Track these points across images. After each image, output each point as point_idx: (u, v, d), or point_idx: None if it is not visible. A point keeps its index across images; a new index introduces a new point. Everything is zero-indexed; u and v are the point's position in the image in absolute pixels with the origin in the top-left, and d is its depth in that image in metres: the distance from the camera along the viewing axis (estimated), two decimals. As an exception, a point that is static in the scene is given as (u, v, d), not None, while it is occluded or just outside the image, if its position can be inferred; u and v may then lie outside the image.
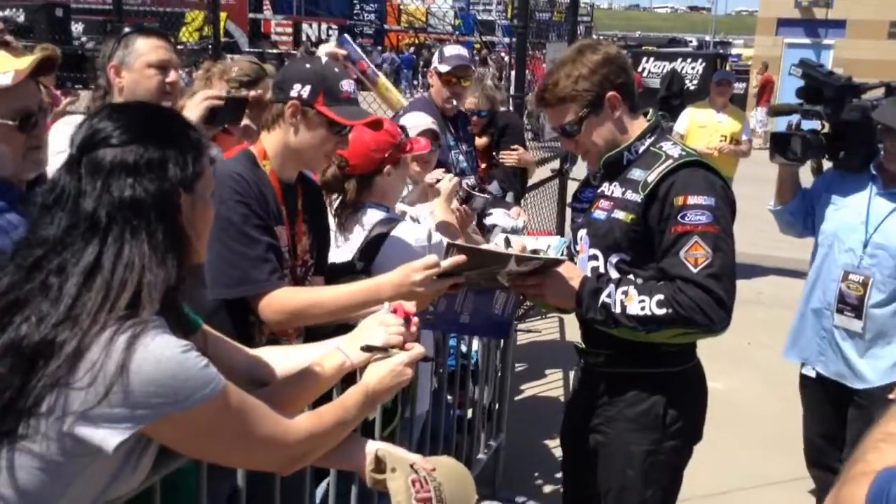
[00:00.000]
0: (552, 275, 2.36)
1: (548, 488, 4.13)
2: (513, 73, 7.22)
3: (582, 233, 2.52)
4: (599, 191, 2.47)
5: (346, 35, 3.41)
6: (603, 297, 2.31)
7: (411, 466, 1.72)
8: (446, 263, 2.10)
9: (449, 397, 3.43)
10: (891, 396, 3.05)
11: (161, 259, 1.35)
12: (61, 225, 1.34)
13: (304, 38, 31.01)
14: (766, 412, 4.88)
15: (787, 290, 6.47)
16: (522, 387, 5.34)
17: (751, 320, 6.20)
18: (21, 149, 1.86)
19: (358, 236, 2.69)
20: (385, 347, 1.71)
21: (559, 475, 4.12)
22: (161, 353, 1.29)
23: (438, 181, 3.14)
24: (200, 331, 1.69)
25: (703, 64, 20.54)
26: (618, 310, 2.28)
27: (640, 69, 20.93)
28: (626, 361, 2.43)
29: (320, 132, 2.27)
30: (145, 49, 2.78)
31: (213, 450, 1.46)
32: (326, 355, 1.74)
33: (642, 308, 2.24)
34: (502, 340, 3.94)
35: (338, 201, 2.75)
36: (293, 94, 2.24)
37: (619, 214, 2.35)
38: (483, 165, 4.82)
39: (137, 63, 2.75)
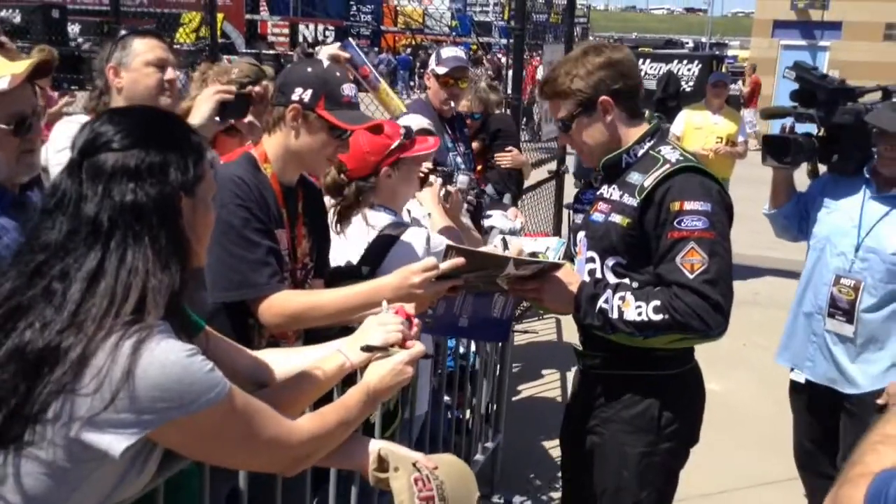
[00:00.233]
0: (550, 279, 2.37)
1: (545, 489, 4.15)
2: (509, 73, 7.23)
3: (581, 234, 2.54)
4: (598, 193, 2.48)
5: (349, 38, 3.42)
6: (600, 303, 2.32)
7: (414, 465, 1.73)
8: (445, 266, 2.11)
9: (447, 398, 3.44)
10: (879, 401, 3.06)
11: (165, 263, 1.35)
12: (63, 230, 1.34)
13: (300, 39, 30.99)
14: (761, 413, 4.89)
15: (783, 290, 6.48)
16: (520, 387, 5.35)
17: (747, 321, 6.22)
18: (15, 153, 1.86)
19: (359, 238, 2.70)
20: (385, 347, 1.72)
21: (557, 476, 4.14)
22: (167, 357, 1.29)
23: (427, 175, 3.13)
24: (203, 333, 1.69)
25: (700, 66, 20.54)
26: (615, 315, 2.29)
27: (636, 70, 20.90)
28: (622, 364, 2.44)
29: (321, 136, 2.28)
30: (142, 49, 2.80)
31: (218, 452, 1.46)
32: (326, 357, 1.75)
33: (639, 314, 2.25)
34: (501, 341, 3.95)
35: (337, 204, 2.76)
36: (294, 97, 2.25)
37: (616, 218, 2.36)
38: (478, 168, 4.83)
39: (135, 62, 2.78)
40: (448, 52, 4.31)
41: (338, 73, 2.33)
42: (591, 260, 2.45)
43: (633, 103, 2.40)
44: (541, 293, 2.38)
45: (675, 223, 2.23)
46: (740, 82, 20.34)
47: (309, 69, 2.31)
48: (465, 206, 3.65)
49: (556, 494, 4.02)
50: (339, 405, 1.64)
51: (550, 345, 6.15)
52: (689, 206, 2.22)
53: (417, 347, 1.75)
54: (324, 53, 3.12)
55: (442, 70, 4.08)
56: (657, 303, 2.23)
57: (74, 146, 1.39)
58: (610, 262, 2.40)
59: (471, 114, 4.89)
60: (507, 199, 5.04)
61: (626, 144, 2.40)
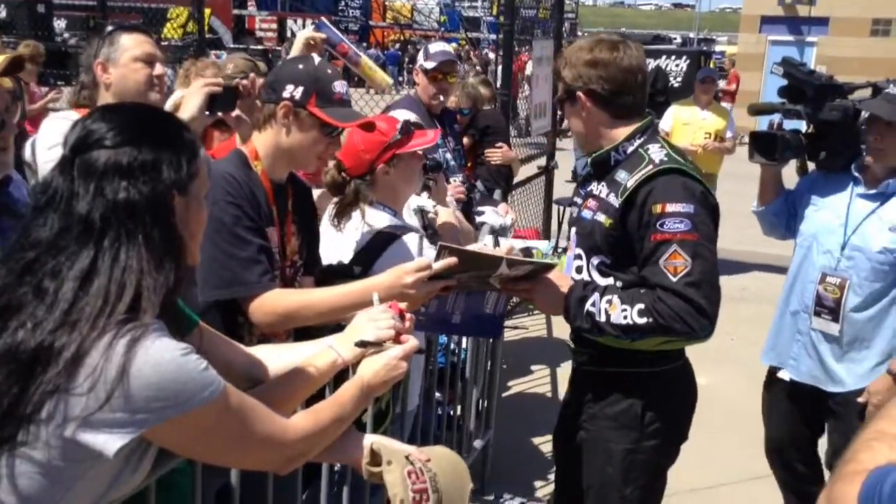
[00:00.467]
0: (542, 281, 2.38)
1: (536, 485, 4.15)
2: (498, 68, 7.23)
3: (572, 230, 2.55)
4: (589, 189, 2.49)
5: (322, 19, 3.38)
6: (588, 306, 2.33)
7: (406, 458, 1.73)
8: (438, 266, 2.10)
9: (438, 395, 3.44)
10: (860, 400, 3.06)
11: (159, 262, 1.34)
12: (54, 227, 1.33)
13: (288, 34, 30.86)
14: (750, 408, 4.87)
15: (771, 286, 6.51)
16: (510, 383, 5.35)
17: (734, 317, 6.24)
18: None
19: (354, 236, 2.69)
20: (379, 342, 1.72)
21: (547, 471, 4.15)
22: (161, 356, 1.29)
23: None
24: (197, 329, 1.69)
25: (688, 61, 20.60)
26: (602, 318, 2.30)
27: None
28: (608, 361, 2.45)
29: (312, 133, 2.27)
30: (130, 44, 2.78)
31: (213, 451, 1.46)
32: (318, 354, 1.75)
33: (624, 317, 2.26)
34: (491, 338, 3.96)
35: (337, 201, 2.74)
36: (286, 94, 2.23)
37: (601, 217, 2.37)
38: (468, 164, 4.83)
39: (123, 58, 2.76)
40: (436, 46, 4.31)
41: (329, 71, 2.31)
42: (579, 257, 2.47)
43: (613, 106, 2.39)
44: (532, 295, 2.39)
45: (657, 226, 2.22)
46: (722, 81, 20.45)
47: (300, 66, 2.30)
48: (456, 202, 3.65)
49: (547, 490, 4.03)
50: (332, 401, 1.64)
51: (540, 341, 6.16)
52: (671, 208, 2.22)
53: (411, 342, 1.75)
54: (300, 38, 3.08)
55: (430, 65, 4.07)
56: (641, 306, 2.24)
57: (67, 143, 1.38)
58: (595, 260, 2.41)
59: (459, 110, 4.89)
60: (497, 194, 5.05)
61: (612, 142, 2.41)
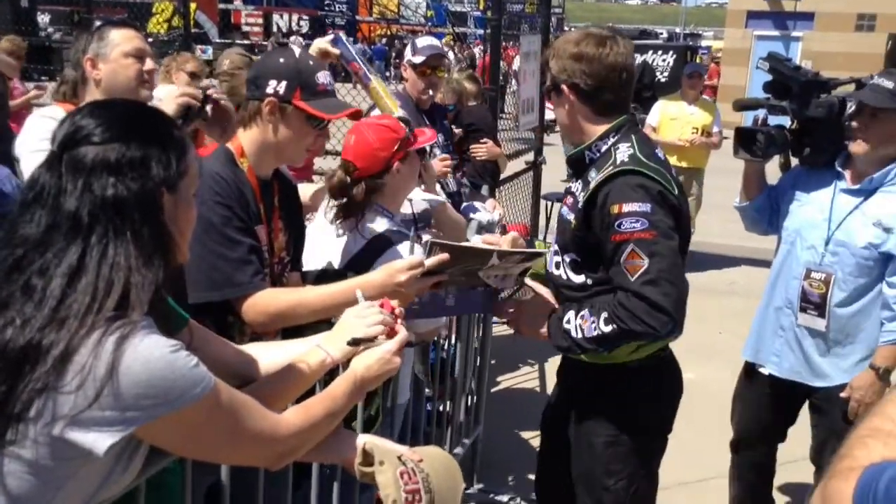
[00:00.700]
0: (526, 308, 2.46)
1: (525, 479, 4.15)
2: (485, 63, 7.21)
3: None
4: (568, 187, 2.54)
5: (340, 34, 3.40)
6: (564, 324, 2.37)
7: (399, 458, 1.73)
8: (430, 262, 2.10)
9: (427, 390, 3.44)
10: (843, 395, 3.08)
11: (147, 259, 1.33)
12: (42, 224, 1.32)
13: (275, 28, 30.75)
14: (738, 401, 4.93)
15: (759, 280, 6.50)
16: (499, 379, 5.36)
17: (723, 310, 6.27)
18: None
19: (350, 238, 2.67)
20: (371, 338, 1.71)
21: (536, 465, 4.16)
22: (150, 353, 1.28)
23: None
24: (187, 326, 1.67)
25: (674, 56, 20.65)
26: (578, 335, 2.34)
27: (611, 61, 20.98)
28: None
29: (299, 127, 2.25)
30: (120, 39, 2.76)
31: (204, 447, 1.45)
32: (308, 352, 1.74)
33: (594, 328, 2.30)
34: (481, 334, 3.96)
35: (339, 203, 2.68)
36: (269, 90, 2.21)
37: (570, 216, 2.42)
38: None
39: (114, 53, 2.74)
40: (424, 41, 4.29)
41: (311, 62, 2.29)
42: (557, 253, 2.52)
43: (595, 101, 2.40)
44: (518, 318, 2.49)
45: (615, 226, 2.25)
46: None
47: (281, 60, 2.26)
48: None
49: (536, 485, 4.04)
50: (325, 396, 1.64)
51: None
52: (627, 208, 2.24)
53: (402, 334, 1.75)
54: (314, 48, 3.10)
55: (418, 59, 4.06)
56: (605, 314, 2.27)
57: (55, 139, 1.36)
58: (567, 258, 2.46)
59: (444, 106, 4.87)
60: (484, 190, 5.04)
61: (591, 137, 2.42)
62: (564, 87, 2.40)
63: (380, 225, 2.65)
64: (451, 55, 19.39)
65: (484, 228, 3.84)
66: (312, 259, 2.65)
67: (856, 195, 3.05)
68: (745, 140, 3.23)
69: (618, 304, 2.24)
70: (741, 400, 3.50)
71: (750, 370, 3.42)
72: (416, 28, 27.50)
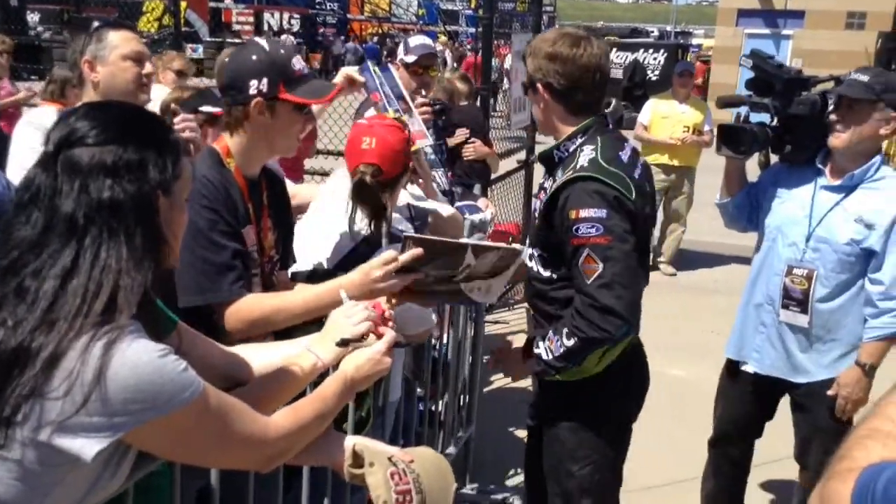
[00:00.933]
0: (504, 351, 2.78)
1: (518, 478, 4.16)
2: (475, 62, 7.19)
3: None
4: (542, 182, 2.62)
5: (368, 63, 3.42)
6: (535, 350, 2.50)
7: (389, 459, 1.72)
8: (404, 257, 2.09)
9: (419, 390, 3.43)
10: (830, 392, 3.09)
11: (138, 262, 1.33)
12: (38, 225, 1.31)
13: (265, 27, 30.65)
14: (730, 399, 4.93)
15: (747, 278, 6.56)
16: (491, 378, 5.35)
17: (714, 310, 6.28)
18: None
19: (346, 239, 2.65)
20: (359, 338, 1.71)
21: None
22: (139, 358, 1.27)
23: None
24: (176, 329, 1.67)
25: (665, 54, 20.72)
26: (549, 357, 2.45)
27: (603, 59, 21.01)
28: None
29: (288, 117, 2.23)
30: (119, 42, 2.75)
31: (193, 452, 1.44)
32: (300, 355, 1.74)
33: (560, 346, 2.42)
34: (472, 331, 3.96)
35: (368, 212, 2.63)
36: (252, 91, 2.17)
37: (538, 214, 2.53)
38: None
39: (112, 56, 2.73)
40: (416, 40, 4.29)
41: (282, 51, 2.23)
42: (530, 245, 2.63)
43: (569, 101, 2.47)
44: (506, 372, 2.73)
45: (573, 230, 2.35)
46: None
47: (254, 57, 2.19)
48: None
49: (529, 484, 4.04)
50: (315, 397, 1.63)
51: (521, 336, 6.17)
52: (584, 213, 2.33)
53: (390, 334, 1.75)
54: (341, 74, 3.12)
55: (411, 59, 4.05)
56: (566, 330, 2.39)
57: (49, 140, 1.35)
58: (535, 252, 2.57)
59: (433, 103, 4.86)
60: (477, 189, 5.05)
61: (560, 138, 2.51)
62: (539, 85, 2.47)
63: (406, 226, 2.68)
64: (447, 55, 19.44)
65: (476, 228, 3.84)
66: (304, 259, 2.64)
67: (837, 192, 3.06)
68: (728, 136, 3.25)
69: (574, 313, 2.36)
70: (723, 397, 3.52)
71: (732, 367, 3.43)
72: (407, 26, 27.49)
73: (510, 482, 4.18)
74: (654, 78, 19.99)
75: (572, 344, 2.38)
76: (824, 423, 3.12)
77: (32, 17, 18.41)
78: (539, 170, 2.81)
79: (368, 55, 28.13)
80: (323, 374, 1.77)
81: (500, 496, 3.97)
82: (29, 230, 1.31)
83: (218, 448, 1.43)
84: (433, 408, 3.64)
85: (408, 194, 3.01)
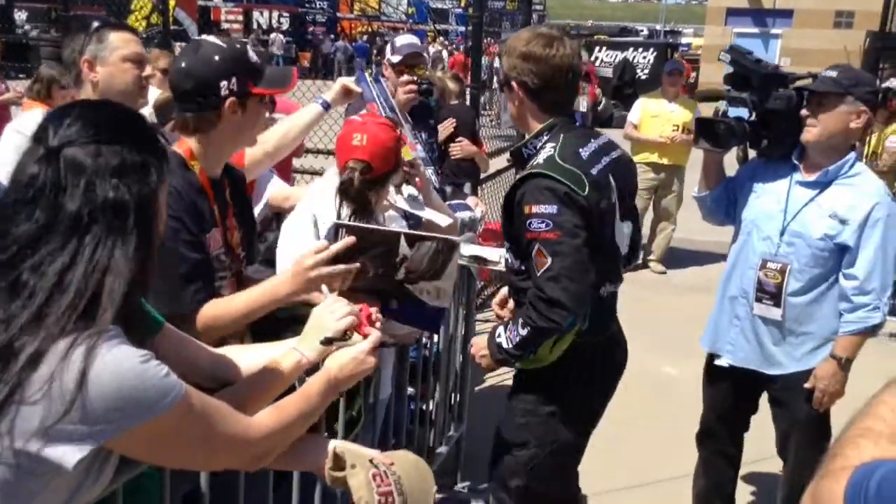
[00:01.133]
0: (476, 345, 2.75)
1: (508, 477, 4.15)
2: (464, 60, 7.20)
3: None
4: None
5: (365, 74, 3.46)
6: (496, 339, 2.58)
7: (370, 461, 1.72)
8: (336, 247, 2.07)
9: (411, 390, 3.43)
10: (807, 385, 3.11)
11: (129, 262, 1.32)
12: (39, 221, 1.30)
13: (255, 25, 30.59)
14: (720, 397, 4.94)
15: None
16: (482, 376, 5.35)
17: (704, 307, 6.28)
18: None
19: (325, 238, 2.64)
20: (343, 336, 1.71)
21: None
22: (120, 364, 1.26)
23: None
24: (161, 331, 1.66)
25: (655, 53, 20.78)
26: (509, 345, 2.53)
27: (592, 58, 21.09)
28: None
29: (256, 110, 2.25)
30: (119, 43, 2.74)
31: (178, 455, 1.43)
32: (284, 355, 1.73)
33: (516, 335, 2.50)
34: (463, 330, 3.96)
35: (354, 209, 2.63)
36: (224, 92, 2.15)
37: (502, 208, 2.61)
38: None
39: (112, 57, 2.72)
40: (402, 39, 4.28)
41: (237, 45, 2.22)
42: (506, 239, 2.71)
43: (542, 99, 2.55)
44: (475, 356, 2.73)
45: (527, 225, 2.43)
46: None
47: (216, 58, 2.15)
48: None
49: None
50: (298, 396, 1.63)
51: (511, 333, 6.16)
52: (535, 209, 2.41)
53: (375, 335, 1.75)
54: (338, 85, 3.14)
55: (397, 58, 4.04)
56: (521, 320, 2.48)
57: (48, 137, 1.33)
58: (507, 244, 2.67)
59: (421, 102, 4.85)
60: (467, 188, 5.05)
61: (529, 136, 2.60)
62: (514, 83, 2.54)
63: (401, 222, 2.69)
64: (444, 54, 19.41)
65: (467, 227, 3.84)
66: (288, 258, 2.62)
67: (812, 187, 3.09)
68: (706, 130, 3.27)
69: (528, 305, 2.45)
70: (705, 390, 3.54)
71: (711, 361, 3.46)
72: (397, 25, 27.47)
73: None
74: (643, 77, 20.04)
75: (526, 333, 2.47)
76: (802, 415, 3.16)
77: (20, 16, 18.31)
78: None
79: (358, 54, 28.10)
80: (308, 373, 1.77)
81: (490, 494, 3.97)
82: (29, 226, 1.30)
83: (201, 450, 1.42)
84: (424, 406, 3.64)
85: (404, 201, 3.00)
